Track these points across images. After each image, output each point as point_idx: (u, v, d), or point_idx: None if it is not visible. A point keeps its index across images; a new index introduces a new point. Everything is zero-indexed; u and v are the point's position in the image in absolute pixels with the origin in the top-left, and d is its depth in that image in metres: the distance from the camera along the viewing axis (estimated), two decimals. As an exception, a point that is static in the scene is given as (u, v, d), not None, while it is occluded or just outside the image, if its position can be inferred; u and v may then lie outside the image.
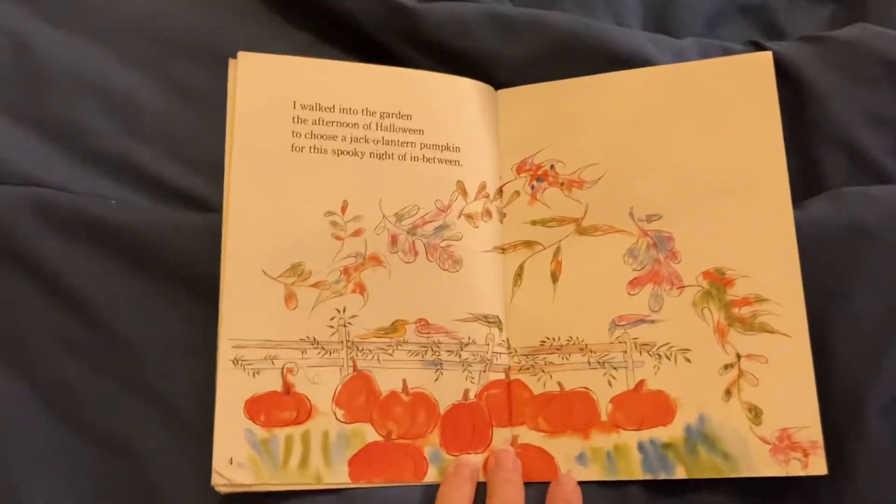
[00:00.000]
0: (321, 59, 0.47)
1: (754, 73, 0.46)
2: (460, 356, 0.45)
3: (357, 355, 0.44)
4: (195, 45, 0.52)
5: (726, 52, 0.49)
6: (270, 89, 0.46)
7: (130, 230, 0.46)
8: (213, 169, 0.45)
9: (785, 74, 0.47)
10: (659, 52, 0.49)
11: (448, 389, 0.45)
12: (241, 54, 0.46)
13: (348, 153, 0.46)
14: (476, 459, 0.44)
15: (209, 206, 0.47)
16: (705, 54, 0.49)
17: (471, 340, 0.45)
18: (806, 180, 0.47)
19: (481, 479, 0.44)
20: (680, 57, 0.49)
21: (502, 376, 0.46)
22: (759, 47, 0.50)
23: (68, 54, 0.50)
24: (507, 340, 0.46)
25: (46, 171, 0.47)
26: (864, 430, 0.41)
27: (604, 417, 0.44)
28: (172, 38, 0.52)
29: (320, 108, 0.46)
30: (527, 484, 0.43)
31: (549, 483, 0.43)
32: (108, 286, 0.45)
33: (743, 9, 0.59)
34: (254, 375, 0.42)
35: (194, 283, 0.45)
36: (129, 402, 0.44)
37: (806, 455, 0.41)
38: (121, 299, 0.45)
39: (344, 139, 0.46)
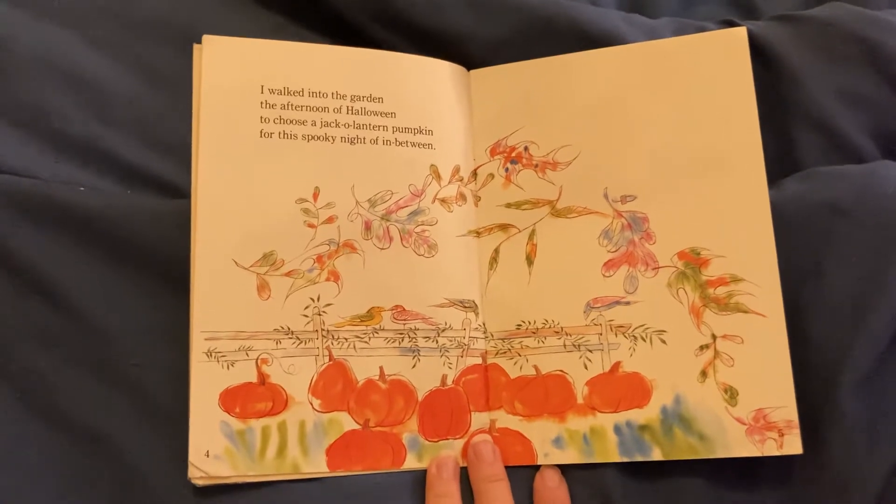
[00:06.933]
0: (289, 41, 0.46)
1: (729, 49, 0.45)
2: (437, 342, 0.45)
3: (332, 344, 0.44)
4: (163, 27, 0.51)
5: (700, 31, 0.48)
6: (237, 74, 0.45)
7: (100, 217, 0.45)
8: (184, 154, 0.44)
9: (759, 53, 0.47)
10: (632, 31, 0.48)
11: (426, 376, 0.44)
12: (205, 38, 0.44)
13: (319, 138, 0.45)
14: (455, 448, 0.44)
15: (181, 191, 0.46)
16: (679, 33, 0.49)
17: (447, 326, 0.45)
18: (781, 160, 0.47)
19: (462, 464, 0.44)
20: (654, 36, 0.49)
21: (479, 361, 0.46)
22: (733, 26, 0.49)
23: (33, 37, 0.49)
24: (484, 325, 0.46)
25: (12, 157, 0.46)
26: (838, 409, 0.41)
27: (580, 400, 0.44)
28: (140, 20, 0.51)
29: (289, 93, 0.45)
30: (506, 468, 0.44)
31: (527, 467, 0.44)
32: (78, 274, 0.44)
33: (717, -12, 0.58)
34: (228, 367, 0.42)
35: (167, 270, 0.44)
36: (103, 392, 0.43)
37: (781, 435, 0.41)
38: (91, 287, 0.44)
39: (314, 124, 0.45)
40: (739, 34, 0.45)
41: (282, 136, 0.45)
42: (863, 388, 0.41)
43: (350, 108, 0.46)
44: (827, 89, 0.47)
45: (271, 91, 0.45)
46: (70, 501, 0.42)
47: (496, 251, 0.47)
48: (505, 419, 0.45)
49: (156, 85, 0.49)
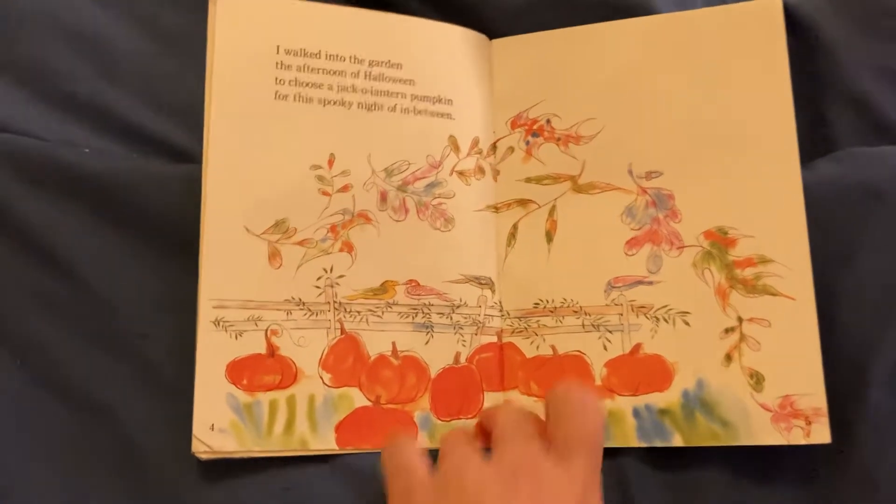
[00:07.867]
0: (307, 1, 0.45)
1: (762, 20, 0.44)
2: (451, 319, 0.43)
3: (345, 317, 0.42)
4: None
5: (733, 1, 0.47)
6: (252, 33, 0.43)
7: (105, 180, 0.43)
8: (194, 117, 0.43)
9: (794, 26, 0.46)
10: (663, 0, 0.47)
11: (439, 353, 0.43)
12: (220, -6, 0.43)
13: (335, 103, 0.44)
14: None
15: (190, 156, 0.45)
16: (710, 3, 0.47)
17: (462, 302, 0.44)
18: (814, 139, 0.45)
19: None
20: (685, 6, 0.47)
21: (494, 339, 0.44)
22: (767, -4, 0.48)
23: None
24: (500, 302, 0.45)
25: (15, 117, 0.45)
26: (867, 399, 0.40)
27: (598, 382, 0.43)
28: None
29: (305, 54, 0.44)
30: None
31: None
32: (81, 239, 0.43)
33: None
34: (236, 337, 0.41)
35: (174, 238, 0.43)
36: (106, 361, 0.42)
37: (809, 423, 0.40)
38: (95, 253, 0.43)
39: (331, 88, 0.44)
40: (774, 5, 0.44)
41: (297, 99, 0.43)
42: (894, 378, 0.40)
43: (368, 73, 0.44)
44: (865, 65, 0.45)
45: (287, 52, 0.43)
46: (70, 472, 0.41)
47: (515, 227, 0.45)
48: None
49: (166, 44, 0.48)
